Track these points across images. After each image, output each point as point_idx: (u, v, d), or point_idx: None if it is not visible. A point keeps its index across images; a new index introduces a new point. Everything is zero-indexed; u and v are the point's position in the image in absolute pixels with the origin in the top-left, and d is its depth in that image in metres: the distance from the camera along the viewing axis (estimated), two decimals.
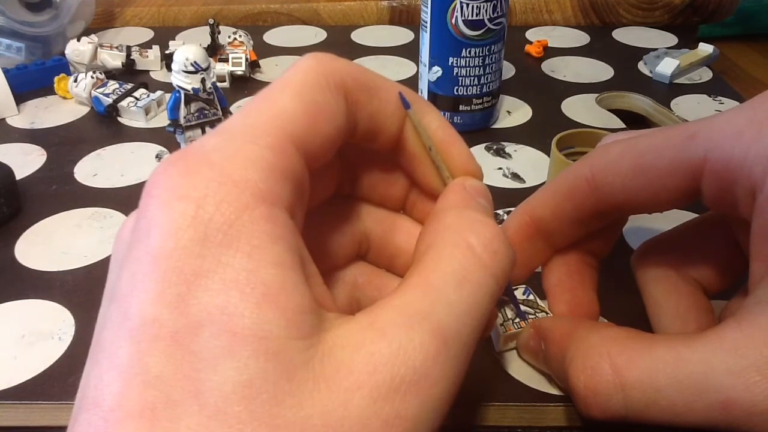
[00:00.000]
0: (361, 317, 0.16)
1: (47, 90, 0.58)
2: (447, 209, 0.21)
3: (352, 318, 0.16)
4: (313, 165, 0.18)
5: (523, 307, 0.31)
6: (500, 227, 0.20)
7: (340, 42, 0.71)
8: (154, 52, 0.63)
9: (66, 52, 0.60)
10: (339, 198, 0.23)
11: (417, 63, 0.55)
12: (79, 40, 0.60)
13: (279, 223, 0.15)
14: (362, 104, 0.19)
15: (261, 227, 0.15)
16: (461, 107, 0.50)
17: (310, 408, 0.14)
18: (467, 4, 0.46)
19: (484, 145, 0.50)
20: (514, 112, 0.55)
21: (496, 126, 0.53)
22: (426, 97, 0.51)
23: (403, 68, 0.64)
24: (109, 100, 0.54)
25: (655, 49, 0.66)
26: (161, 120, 0.54)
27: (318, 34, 0.73)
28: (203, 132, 0.47)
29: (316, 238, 0.22)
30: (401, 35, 0.72)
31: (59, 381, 0.30)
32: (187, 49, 0.45)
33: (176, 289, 0.14)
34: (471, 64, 0.48)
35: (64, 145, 0.51)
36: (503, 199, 0.43)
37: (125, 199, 0.44)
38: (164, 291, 0.14)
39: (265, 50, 0.68)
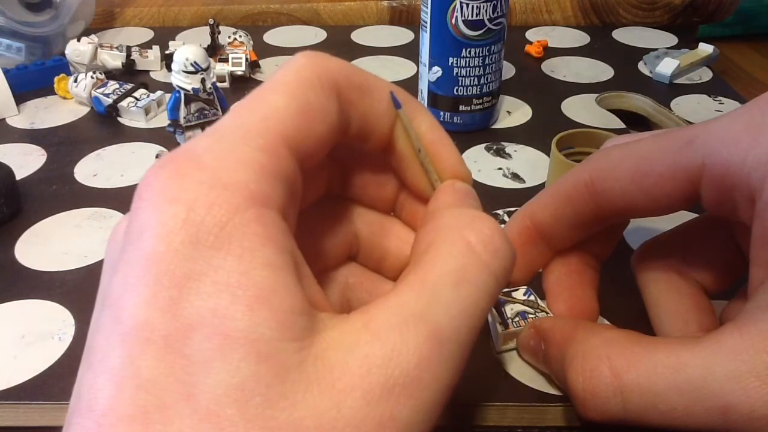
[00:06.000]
0: (356, 318, 0.16)
1: (47, 90, 0.58)
2: (443, 208, 0.20)
3: (346, 318, 0.16)
4: (305, 165, 0.18)
5: (523, 307, 0.31)
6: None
7: (340, 42, 0.71)
8: (154, 52, 0.63)
9: (66, 52, 0.60)
10: (329, 198, 0.23)
11: (417, 63, 0.55)
12: (79, 41, 0.60)
13: (270, 224, 0.15)
14: (354, 104, 0.19)
15: (252, 229, 0.15)
16: (461, 107, 0.50)
17: (302, 410, 0.14)
18: (467, 4, 0.46)
19: (484, 145, 0.50)
20: (514, 112, 0.55)
21: (496, 126, 0.53)
22: (426, 97, 0.51)
23: (403, 68, 0.64)
24: (109, 101, 0.54)
25: (655, 49, 0.66)
26: (161, 120, 0.54)
27: (318, 34, 0.73)
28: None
29: (308, 239, 0.22)
30: (401, 35, 0.72)
31: (59, 381, 0.30)
32: (187, 49, 0.45)
33: (168, 293, 0.14)
34: (471, 64, 0.48)
35: (64, 145, 0.51)
36: (503, 199, 0.43)
37: (125, 199, 0.44)
38: (156, 294, 0.14)
39: (265, 50, 0.68)
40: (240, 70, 0.60)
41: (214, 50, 0.65)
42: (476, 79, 0.49)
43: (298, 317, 0.15)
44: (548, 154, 0.45)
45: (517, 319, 0.31)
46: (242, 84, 0.60)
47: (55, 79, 0.57)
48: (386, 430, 0.15)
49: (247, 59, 0.60)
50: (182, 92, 0.45)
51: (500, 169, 0.47)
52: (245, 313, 0.14)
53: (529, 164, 0.47)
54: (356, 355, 0.15)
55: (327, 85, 0.18)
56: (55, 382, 0.30)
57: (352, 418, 0.14)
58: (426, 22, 0.48)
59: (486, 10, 0.46)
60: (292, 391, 0.14)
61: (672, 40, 0.70)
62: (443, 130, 0.22)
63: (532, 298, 0.32)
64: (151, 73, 0.63)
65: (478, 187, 0.44)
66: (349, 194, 0.24)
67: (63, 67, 0.59)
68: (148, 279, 0.14)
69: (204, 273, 0.14)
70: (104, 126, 0.54)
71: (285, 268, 0.15)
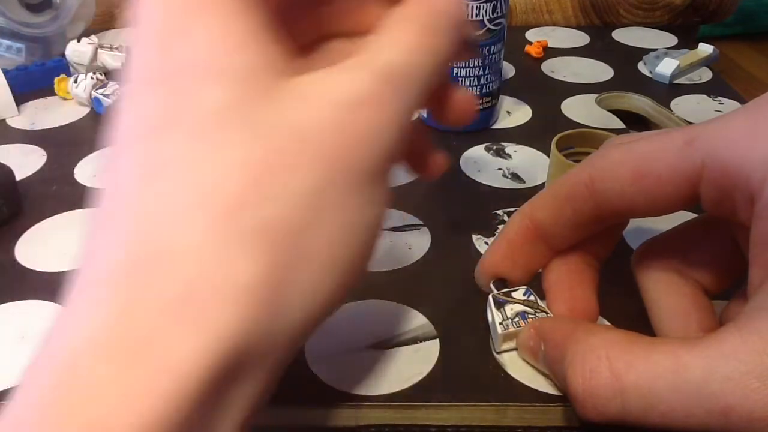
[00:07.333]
0: (330, 67, 0.19)
1: (47, 91, 0.58)
2: None
3: (321, 67, 0.19)
4: None
5: (523, 307, 0.31)
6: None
7: None
8: None
9: (66, 53, 0.60)
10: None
11: None
12: (79, 41, 0.60)
13: None
14: None
15: None
16: None
17: (288, 117, 0.17)
18: (467, 4, 0.46)
19: (484, 145, 0.50)
20: (514, 113, 0.55)
21: (496, 126, 0.53)
22: None
23: None
24: (109, 101, 0.54)
25: (655, 50, 0.65)
26: None
27: None
28: None
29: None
30: None
31: None
32: None
33: (161, 41, 0.17)
34: (471, 65, 0.48)
35: (65, 145, 0.51)
36: (503, 199, 0.43)
37: None
38: (150, 44, 0.18)
39: None
40: None
41: None
42: (476, 80, 0.49)
43: (279, 56, 0.18)
44: (548, 154, 0.45)
45: (517, 319, 0.31)
46: None
47: (56, 79, 0.57)
48: (348, 136, 0.18)
49: None
50: None
51: (500, 169, 0.47)
52: (229, 53, 0.17)
53: (529, 164, 0.47)
54: (327, 83, 0.18)
55: None
56: None
57: (323, 122, 0.18)
58: None
59: (486, 11, 0.46)
60: (275, 104, 0.17)
61: (672, 40, 0.70)
62: None
63: (532, 298, 0.32)
64: None
65: (478, 187, 0.45)
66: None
67: (63, 67, 0.59)
68: (149, 31, 0.18)
69: (192, 27, 0.17)
70: (105, 127, 0.54)
71: (265, 25, 0.18)
